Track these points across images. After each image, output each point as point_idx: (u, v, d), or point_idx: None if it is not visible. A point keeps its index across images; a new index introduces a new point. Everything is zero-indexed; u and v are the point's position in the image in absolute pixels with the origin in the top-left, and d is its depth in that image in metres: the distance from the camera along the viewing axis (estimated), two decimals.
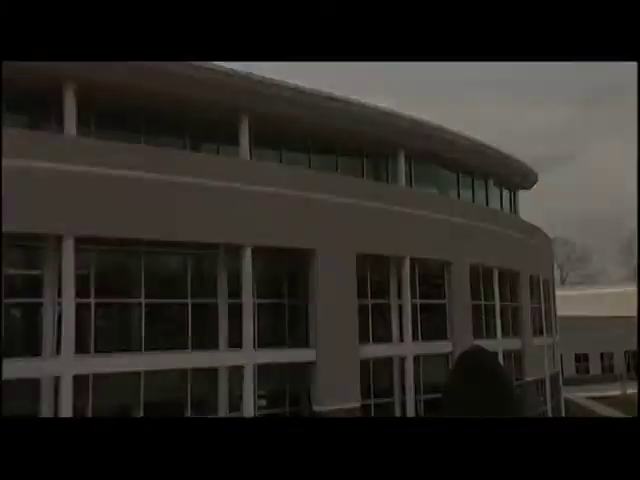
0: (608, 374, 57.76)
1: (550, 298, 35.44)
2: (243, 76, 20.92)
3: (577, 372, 56.55)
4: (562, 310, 47.93)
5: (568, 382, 50.99)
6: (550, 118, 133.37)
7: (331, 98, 22.98)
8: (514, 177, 33.84)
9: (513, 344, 29.02)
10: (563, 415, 36.75)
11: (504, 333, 28.42)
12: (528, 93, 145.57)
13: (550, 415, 32.95)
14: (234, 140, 22.13)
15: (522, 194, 36.70)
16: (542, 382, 31.96)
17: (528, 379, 29.73)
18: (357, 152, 26.41)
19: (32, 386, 17.95)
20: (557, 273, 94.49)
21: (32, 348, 18.02)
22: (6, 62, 15.61)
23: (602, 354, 59.40)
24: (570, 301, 59.98)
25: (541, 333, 32.48)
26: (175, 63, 18.80)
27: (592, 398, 45.73)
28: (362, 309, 23.00)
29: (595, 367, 59.10)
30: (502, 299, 28.72)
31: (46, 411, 17.72)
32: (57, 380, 17.60)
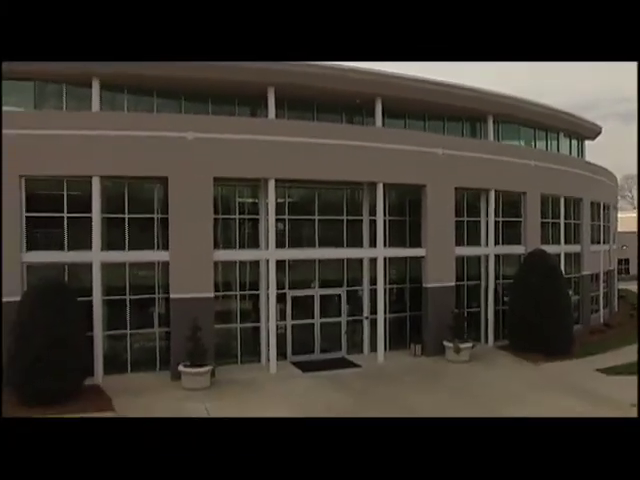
0: None
1: (609, 217, 34.98)
2: (379, 72, 22.64)
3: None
4: (633, 227, 47.96)
5: (632, 278, 51.24)
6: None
7: (438, 83, 24.37)
8: (580, 130, 33.22)
9: (574, 249, 29.54)
10: (616, 297, 36.83)
11: (567, 241, 28.96)
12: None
13: (602, 296, 32.99)
14: (372, 114, 24.25)
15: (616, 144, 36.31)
16: (597, 275, 32.14)
17: (584, 273, 30.20)
18: (458, 118, 27.56)
19: (255, 264, 21.68)
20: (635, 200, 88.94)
21: (254, 243, 21.61)
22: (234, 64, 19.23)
23: None
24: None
25: (598, 242, 32.56)
26: (339, 68, 21.72)
27: None
28: (460, 224, 24.67)
29: None
30: (567, 218, 29.06)
31: (263, 282, 21.45)
32: (266, 262, 21.11)
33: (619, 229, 45.20)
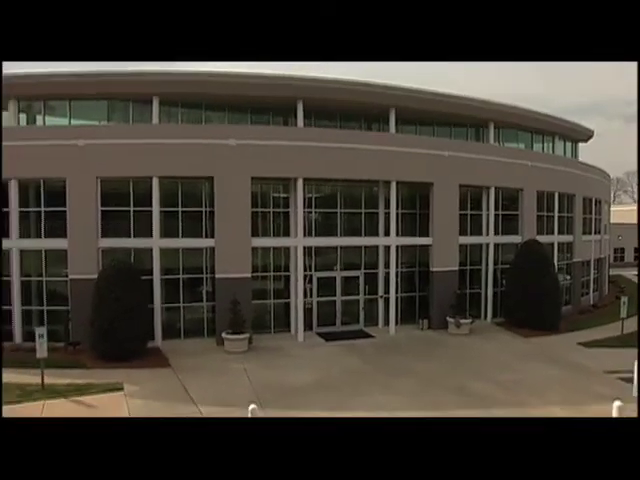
0: None
1: (601, 211, 35.30)
2: (392, 86, 23.84)
3: (634, 259, 55.32)
4: (631, 219, 48.85)
5: (627, 265, 52.13)
6: None
7: (444, 95, 25.20)
8: (573, 134, 33.75)
9: (566, 239, 30.26)
10: (606, 282, 37.09)
11: (560, 232, 29.65)
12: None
13: (592, 281, 33.50)
14: (387, 122, 25.20)
15: (620, 143, 37.20)
16: (588, 262, 32.72)
17: (575, 260, 30.88)
18: (463, 124, 28.41)
19: (286, 250, 23.12)
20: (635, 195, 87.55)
21: (286, 232, 23.15)
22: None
23: None
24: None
25: (590, 233, 33.09)
26: (357, 83, 22.95)
27: None
28: (463, 216, 25.72)
29: None
30: (560, 211, 29.61)
31: (293, 265, 22.86)
32: (295, 248, 22.66)
33: (619, 221, 45.90)
